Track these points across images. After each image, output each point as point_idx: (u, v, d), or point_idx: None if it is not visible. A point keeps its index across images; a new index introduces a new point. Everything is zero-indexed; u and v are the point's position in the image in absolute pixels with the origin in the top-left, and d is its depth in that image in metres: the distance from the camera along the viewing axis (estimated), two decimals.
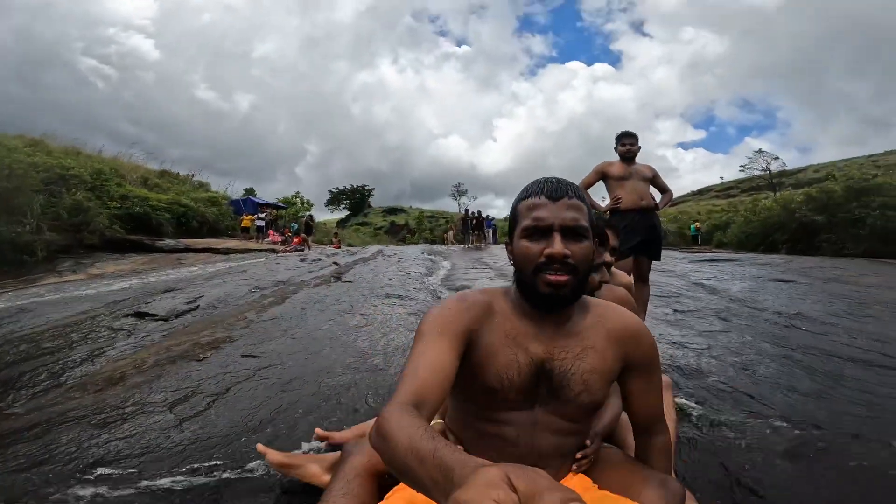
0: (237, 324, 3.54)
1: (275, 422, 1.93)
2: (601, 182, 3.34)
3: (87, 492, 1.44)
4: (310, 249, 15.04)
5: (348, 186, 52.53)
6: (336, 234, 23.34)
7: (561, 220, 0.84)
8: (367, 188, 53.21)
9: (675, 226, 24.29)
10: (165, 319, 3.74)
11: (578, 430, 0.93)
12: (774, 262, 9.27)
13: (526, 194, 0.90)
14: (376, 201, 53.39)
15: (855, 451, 1.59)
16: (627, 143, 3.22)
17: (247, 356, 2.74)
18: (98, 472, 1.55)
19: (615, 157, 3.30)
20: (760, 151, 32.57)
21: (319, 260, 9.33)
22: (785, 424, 1.80)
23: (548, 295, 0.85)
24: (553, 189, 0.87)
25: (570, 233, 0.84)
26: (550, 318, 0.90)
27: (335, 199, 51.63)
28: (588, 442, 1.00)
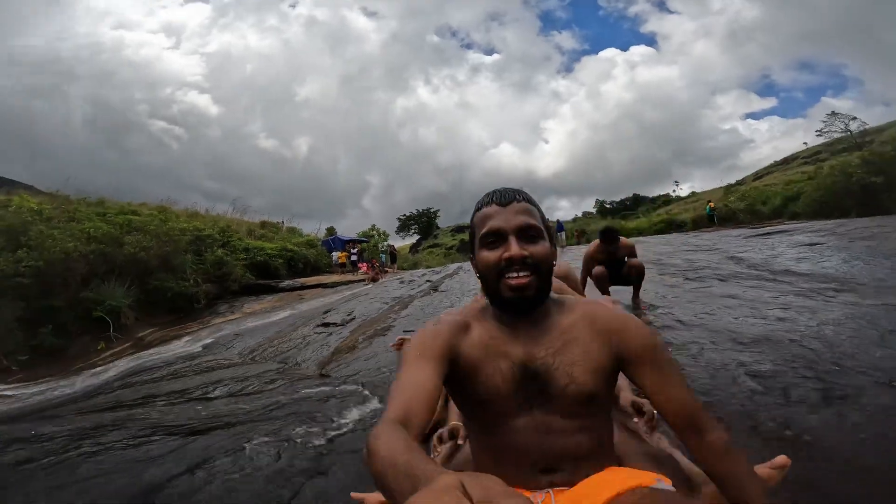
0: (388, 321, 5.67)
1: None
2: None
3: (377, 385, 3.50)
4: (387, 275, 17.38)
5: (414, 212, 54.83)
6: (375, 260, 20.40)
7: (514, 224, 0.90)
8: (432, 210, 55.24)
9: (744, 204, 23.99)
10: (343, 325, 5.95)
11: (584, 426, 0.89)
12: (825, 228, 9.71)
13: (479, 206, 0.96)
14: (443, 222, 54.72)
15: (700, 342, 3.25)
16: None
17: (407, 331, 4.79)
18: (366, 380, 3.62)
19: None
20: (834, 114, 30.68)
21: (414, 280, 11.55)
22: (655, 325, 3.47)
23: (513, 298, 0.89)
24: (501, 196, 0.93)
25: (525, 235, 0.90)
26: (526, 322, 0.92)
27: (404, 225, 53.95)
28: (629, 406, 1.24)
